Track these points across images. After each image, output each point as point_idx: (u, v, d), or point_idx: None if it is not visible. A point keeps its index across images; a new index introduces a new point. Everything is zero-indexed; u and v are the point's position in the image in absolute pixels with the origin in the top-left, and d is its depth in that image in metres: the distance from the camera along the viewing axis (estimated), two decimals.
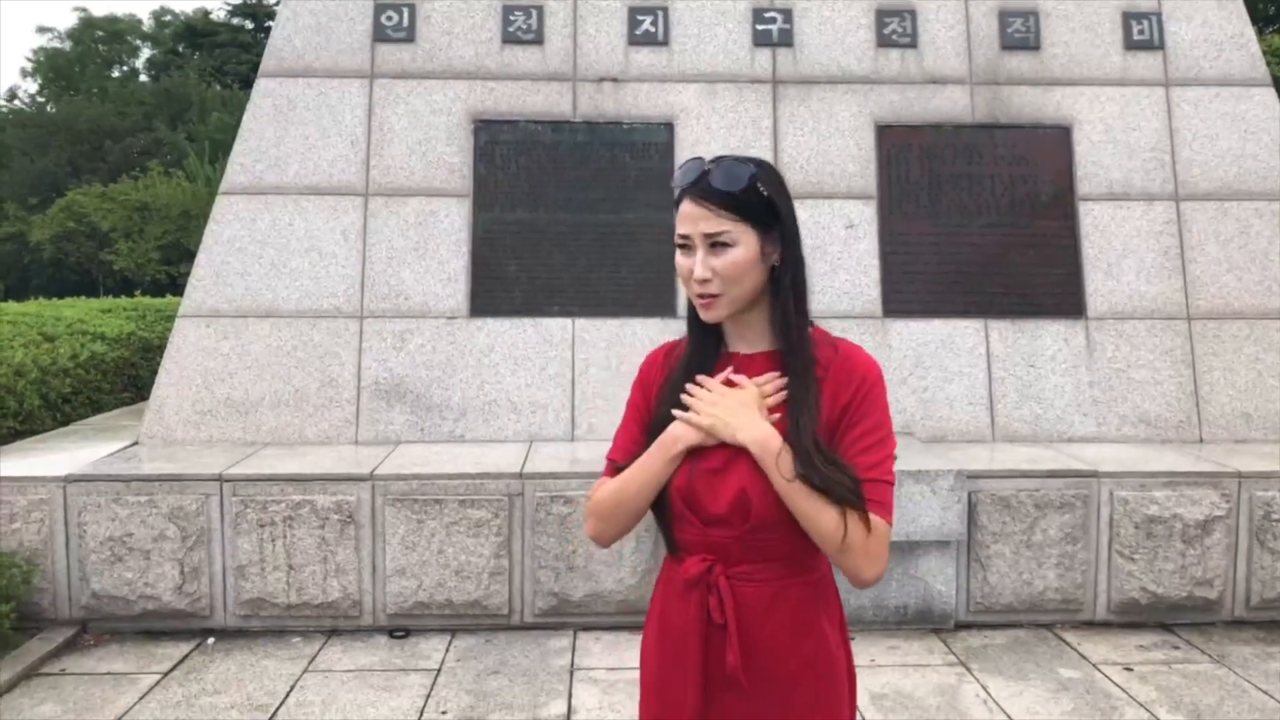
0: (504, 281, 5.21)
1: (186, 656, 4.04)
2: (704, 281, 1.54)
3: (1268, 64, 5.65)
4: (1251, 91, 5.47)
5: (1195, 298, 5.29)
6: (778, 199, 1.56)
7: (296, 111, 5.29)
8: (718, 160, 1.56)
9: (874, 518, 1.49)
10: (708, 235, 1.53)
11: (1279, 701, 3.64)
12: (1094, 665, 3.99)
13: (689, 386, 1.59)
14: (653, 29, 5.44)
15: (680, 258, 1.58)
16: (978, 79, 5.47)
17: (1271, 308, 5.28)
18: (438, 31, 5.41)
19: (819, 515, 1.47)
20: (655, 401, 1.66)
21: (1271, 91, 5.50)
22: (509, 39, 5.40)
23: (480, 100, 5.35)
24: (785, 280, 1.57)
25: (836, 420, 1.54)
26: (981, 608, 4.39)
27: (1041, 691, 3.74)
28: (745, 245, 1.53)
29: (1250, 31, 5.55)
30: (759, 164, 1.56)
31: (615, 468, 1.66)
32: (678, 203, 1.58)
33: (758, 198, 1.54)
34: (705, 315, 1.58)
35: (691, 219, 1.54)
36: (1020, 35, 5.49)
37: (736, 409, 1.54)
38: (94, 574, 4.18)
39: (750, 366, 1.60)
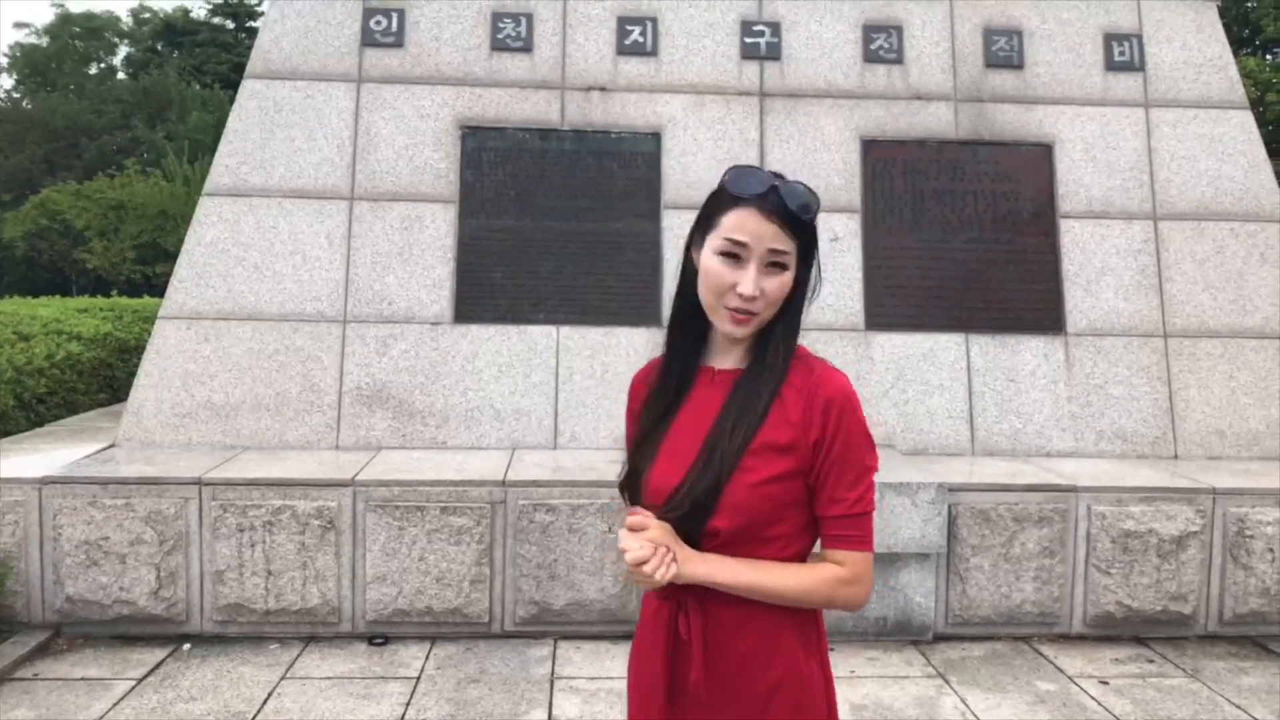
0: (489, 288, 5.20)
1: (162, 663, 3.99)
2: (751, 299, 1.49)
3: (1244, 87, 5.74)
4: (1229, 114, 5.57)
5: (1171, 315, 5.37)
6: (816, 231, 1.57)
7: (283, 114, 5.27)
8: (780, 178, 1.52)
9: (846, 553, 1.52)
10: (772, 251, 1.49)
11: (1252, 716, 3.69)
12: (1070, 678, 4.03)
13: (622, 534, 1.50)
14: (641, 39, 5.46)
15: (721, 265, 1.50)
16: (962, 96, 5.53)
17: (1245, 326, 5.37)
18: (426, 37, 5.40)
19: (781, 591, 1.51)
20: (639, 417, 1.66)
21: (1248, 114, 5.60)
22: (498, 46, 5.41)
23: (468, 106, 5.35)
24: (797, 307, 1.56)
25: (809, 448, 1.51)
26: (960, 620, 4.42)
27: (1019, 704, 3.77)
28: (793, 270, 1.52)
29: (1229, 54, 5.65)
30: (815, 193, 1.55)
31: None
32: (726, 206, 1.51)
33: (814, 228, 1.54)
34: (736, 330, 1.53)
35: (756, 233, 1.48)
36: (1004, 54, 5.56)
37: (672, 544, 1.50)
38: (68, 578, 4.12)
39: (724, 382, 1.58)
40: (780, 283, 1.51)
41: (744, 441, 1.50)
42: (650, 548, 1.45)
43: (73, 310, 7.92)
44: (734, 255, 1.50)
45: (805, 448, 1.50)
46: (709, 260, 1.52)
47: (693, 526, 1.51)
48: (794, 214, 1.49)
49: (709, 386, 1.59)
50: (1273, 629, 4.48)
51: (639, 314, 5.19)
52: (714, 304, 1.53)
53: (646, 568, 1.43)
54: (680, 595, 1.54)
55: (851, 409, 1.52)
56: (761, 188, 1.49)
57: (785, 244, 1.50)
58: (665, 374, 1.62)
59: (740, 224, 1.49)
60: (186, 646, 4.15)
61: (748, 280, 1.48)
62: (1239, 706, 3.78)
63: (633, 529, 1.49)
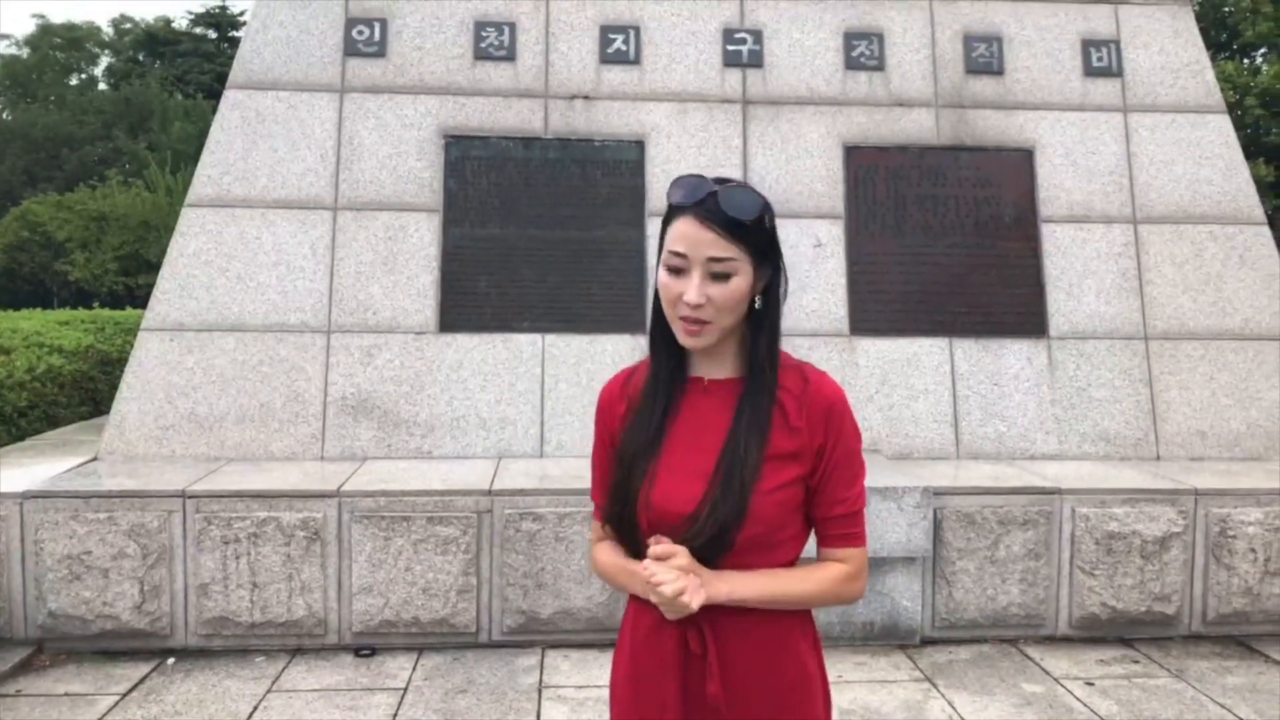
0: (474, 297, 5.20)
1: (146, 677, 3.96)
2: (697, 307, 1.48)
3: (1221, 91, 5.80)
4: (1206, 118, 5.63)
5: (1152, 318, 5.41)
6: (775, 234, 1.54)
7: (265, 124, 5.25)
8: (723, 182, 1.50)
9: (849, 550, 1.58)
10: (712, 260, 1.47)
11: (1237, 716, 3.72)
12: (1056, 680, 4.05)
13: (651, 565, 1.48)
14: (624, 48, 5.48)
15: (667, 278, 1.51)
16: (943, 102, 5.57)
17: (1225, 328, 5.42)
18: (409, 46, 5.40)
19: (797, 597, 1.55)
20: (620, 431, 1.63)
21: (1225, 118, 5.66)
22: (481, 55, 5.41)
23: (451, 115, 5.35)
24: (770, 313, 1.56)
25: (814, 453, 1.55)
26: (947, 623, 4.43)
27: (1006, 706, 3.78)
28: (743, 276, 1.49)
29: (1205, 59, 5.72)
30: (762, 196, 1.52)
31: (603, 511, 1.68)
32: (671, 218, 1.51)
33: (763, 231, 1.51)
34: (689, 341, 1.52)
35: (693, 240, 1.47)
36: (984, 60, 5.60)
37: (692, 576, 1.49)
38: (51, 593, 4.09)
39: (718, 392, 1.58)
40: (728, 290, 1.49)
41: (758, 460, 1.51)
42: (683, 577, 1.46)
43: (54, 322, 7.86)
44: (678, 268, 1.49)
45: (810, 453, 1.54)
46: (660, 274, 1.53)
47: (714, 550, 1.51)
48: (732, 219, 1.46)
49: (703, 396, 1.58)
50: (1256, 628, 4.51)
51: (624, 321, 5.19)
52: (671, 316, 1.54)
53: (684, 598, 1.44)
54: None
55: (847, 412, 1.58)
56: (698, 195, 1.48)
57: (726, 250, 1.47)
58: (653, 387, 1.59)
59: (680, 234, 1.49)
60: (171, 661, 4.12)
61: (691, 288, 1.47)
62: (1224, 706, 3.80)
63: (661, 559, 1.48)
